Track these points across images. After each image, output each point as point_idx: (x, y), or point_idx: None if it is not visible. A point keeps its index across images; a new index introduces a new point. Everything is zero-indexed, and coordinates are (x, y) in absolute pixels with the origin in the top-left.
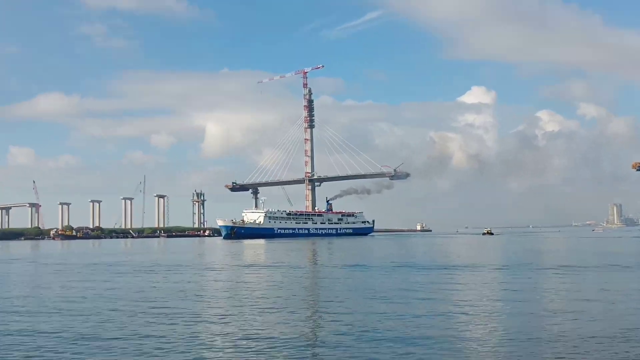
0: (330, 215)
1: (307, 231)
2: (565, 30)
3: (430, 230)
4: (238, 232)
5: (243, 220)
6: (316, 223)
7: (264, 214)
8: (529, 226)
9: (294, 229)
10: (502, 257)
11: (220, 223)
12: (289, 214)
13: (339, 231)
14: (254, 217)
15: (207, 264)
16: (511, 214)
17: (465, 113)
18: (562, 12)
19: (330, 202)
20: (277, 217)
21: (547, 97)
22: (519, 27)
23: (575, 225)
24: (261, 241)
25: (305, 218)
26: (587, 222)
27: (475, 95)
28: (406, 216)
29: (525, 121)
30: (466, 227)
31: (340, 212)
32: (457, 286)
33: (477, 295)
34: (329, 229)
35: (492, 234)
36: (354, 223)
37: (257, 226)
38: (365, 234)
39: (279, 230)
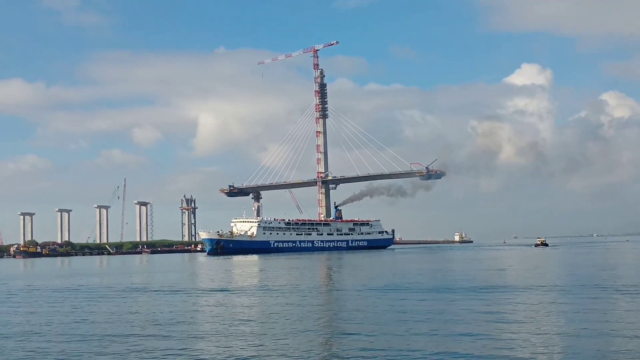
0: (339, 225)
1: (310, 244)
2: None
3: (472, 241)
4: (225, 247)
5: (232, 232)
6: (322, 234)
7: (257, 224)
8: (592, 235)
9: (294, 241)
10: (561, 274)
11: (203, 236)
12: (287, 223)
13: (350, 244)
14: (245, 227)
15: (173, 286)
16: (571, 220)
17: (515, 97)
18: None
19: (339, 208)
20: (273, 228)
21: (615, 76)
22: None
23: None
24: (254, 257)
25: (308, 228)
26: None
27: (527, 74)
28: (441, 224)
29: (588, 106)
30: (515, 237)
31: (352, 221)
32: (507, 315)
33: (534, 328)
34: (337, 241)
35: (546, 244)
36: (369, 234)
37: (248, 239)
38: (384, 247)
39: (275, 244)
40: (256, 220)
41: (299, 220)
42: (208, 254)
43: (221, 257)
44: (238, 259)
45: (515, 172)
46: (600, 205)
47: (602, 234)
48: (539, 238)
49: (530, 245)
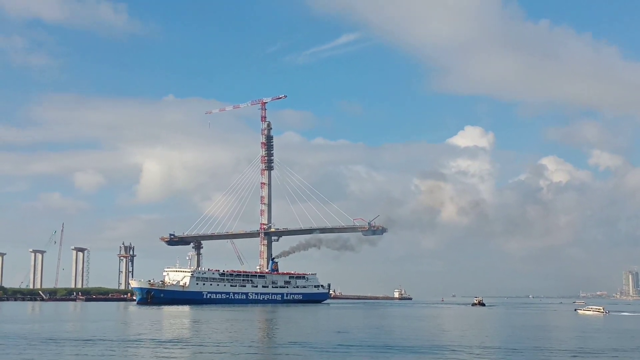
0: (275, 277)
1: (245, 296)
2: (577, 64)
3: (411, 298)
4: (156, 296)
5: (163, 282)
6: (257, 286)
7: (190, 274)
8: (528, 296)
9: (228, 293)
10: (494, 335)
11: (133, 284)
12: (222, 274)
13: (285, 297)
14: (177, 277)
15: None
16: (508, 280)
17: (457, 158)
18: (573, 42)
19: (276, 260)
20: (206, 279)
21: (554, 142)
22: (523, 58)
23: (583, 296)
24: (185, 308)
25: (243, 280)
26: (598, 293)
27: (470, 136)
28: (383, 280)
29: (528, 170)
30: (453, 296)
31: (287, 273)
32: None
33: None
34: (272, 294)
35: (483, 304)
36: (304, 287)
37: (180, 289)
38: (319, 301)
39: (208, 295)
40: (189, 270)
41: (234, 272)
42: (138, 303)
43: (151, 307)
44: (168, 309)
45: (456, 230)
46: (537, 267)
47: (538, 295)
48: (476, 297)
49: (467, 304)
